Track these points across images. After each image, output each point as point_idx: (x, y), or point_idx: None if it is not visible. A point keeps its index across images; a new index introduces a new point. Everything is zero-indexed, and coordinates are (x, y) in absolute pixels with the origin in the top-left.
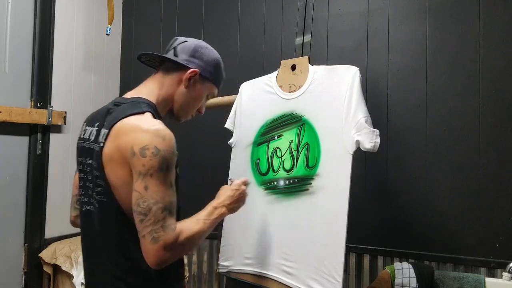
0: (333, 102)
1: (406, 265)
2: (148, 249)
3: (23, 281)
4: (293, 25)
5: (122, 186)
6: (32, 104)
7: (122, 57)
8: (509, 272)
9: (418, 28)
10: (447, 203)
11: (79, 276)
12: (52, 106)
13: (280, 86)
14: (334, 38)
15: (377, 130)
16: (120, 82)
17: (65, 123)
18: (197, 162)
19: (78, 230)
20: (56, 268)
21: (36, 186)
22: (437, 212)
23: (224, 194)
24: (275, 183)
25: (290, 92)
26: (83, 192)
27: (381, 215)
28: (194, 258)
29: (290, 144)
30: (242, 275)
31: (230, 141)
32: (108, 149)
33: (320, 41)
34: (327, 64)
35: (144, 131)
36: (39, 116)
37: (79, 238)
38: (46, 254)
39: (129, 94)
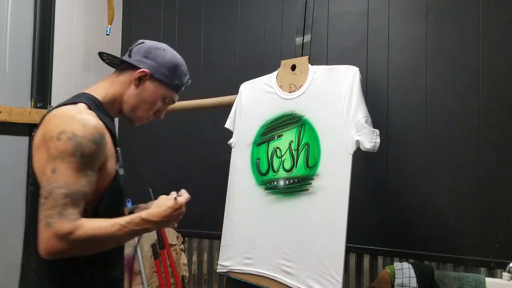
0: (333, 102)
1: (406, 265)
2: (40, 234)
3: None
4: (293, 25)
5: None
6: (32, 104)
7: None
8: (509, 272)
9: (418, 28)
10: (447, 203)
11: None
12: (52, 106)
13: (280, 86)
14: (334, 38)
15: (377, 130)
16: None
17: None
18: (197, 162)
19: None
20: None
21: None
22: (437, 212)
23: (161, 208)
24: (275, 183)
25: (290, 92)
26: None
27: (381, 215)
28: (194, 258)
29: (290, 144)
30: (242, 275)
31: (230, 141)
32: (37, 137)
33: (320, 41)
34: (327, 64)
35: (67, 117)
36: (39, 116)
37: None
38: None
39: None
